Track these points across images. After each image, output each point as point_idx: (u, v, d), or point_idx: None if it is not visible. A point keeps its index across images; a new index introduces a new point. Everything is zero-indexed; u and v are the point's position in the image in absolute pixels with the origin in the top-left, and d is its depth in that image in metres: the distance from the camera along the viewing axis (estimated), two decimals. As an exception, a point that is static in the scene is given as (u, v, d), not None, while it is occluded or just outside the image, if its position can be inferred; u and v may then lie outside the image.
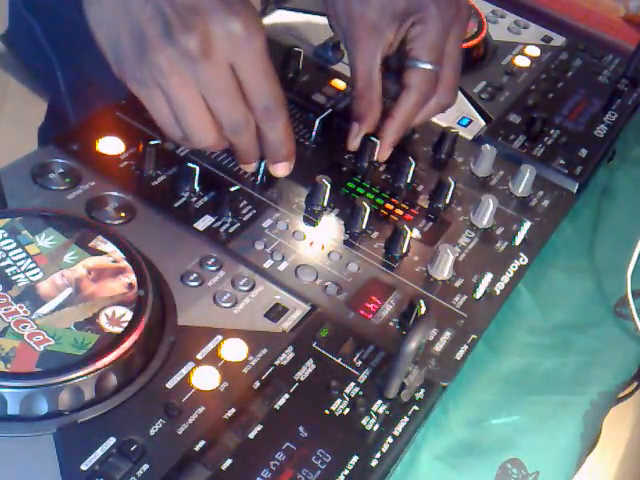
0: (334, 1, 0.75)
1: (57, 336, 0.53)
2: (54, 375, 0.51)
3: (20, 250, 0.58)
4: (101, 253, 0.59)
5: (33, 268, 0.57)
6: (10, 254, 0.57)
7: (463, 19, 0.75)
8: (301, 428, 0.55)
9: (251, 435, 0.54)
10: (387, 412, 0.58)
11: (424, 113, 0.76)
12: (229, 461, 0.52)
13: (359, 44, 0.74)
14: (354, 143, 0.76)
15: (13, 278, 0.56)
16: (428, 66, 0.73)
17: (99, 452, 0.50)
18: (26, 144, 0.78)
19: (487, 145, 0.79)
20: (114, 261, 0.58)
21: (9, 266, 0.57)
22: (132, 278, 0.57)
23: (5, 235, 0.58)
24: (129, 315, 0.55)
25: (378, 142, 0.76)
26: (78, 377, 0.51)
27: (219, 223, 0.67)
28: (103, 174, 0.68)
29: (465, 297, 0.68)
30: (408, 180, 0.76)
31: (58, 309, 0.55)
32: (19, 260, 0.57)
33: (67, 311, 0.55)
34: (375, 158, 0.76)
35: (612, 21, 1.26)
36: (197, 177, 0.69)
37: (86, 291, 0.56)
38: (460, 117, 0.86)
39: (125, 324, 0.55)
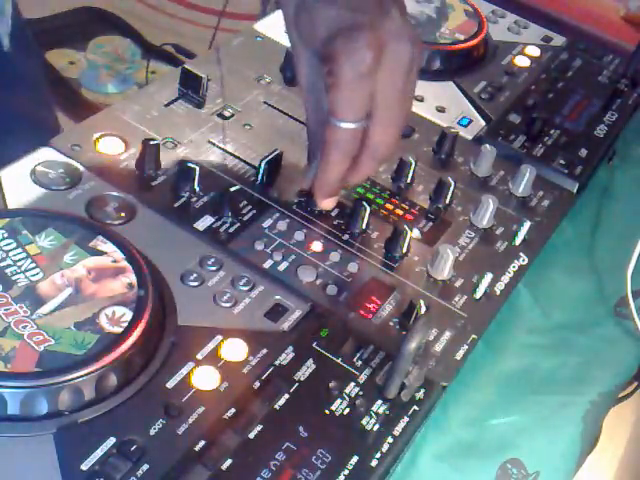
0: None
1: (57, 336, 0.53)
2: (54, 375, 0.51)
3: (20, 250, 0.58)
4: (101, 253, 0.59)
5: (33, 268, 0.57)
6: (10, 254, 0.57)
7: (395, 60, 0.60)
8: (301, 428, 0.55)
9: (251, 435, 0.54)
10: (387, 412, 0.58)
11: (357, 173, 0.66)
12: (229, 461, 0.52)
13: (298, 79, 0.65)
14: (305, 183, 0.69)
15: (13, 278, 0.56)
16: (348, 125, 0.61)
17: (99, 452, 0.50)
18: None
19: (487, 145, 0.79)
20: (114, 261, 0.58)
21: (9, 266, 0.57)
22: (132, 278, 0.57)
23: (5, 235, 0.58)
24: (129, 315, 0.55)
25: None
26: (78, 377, 0.51)
27: (219, 223, 0.67)
28: (103, 174, 0.68)
29: (465, 297, 0.68)
30: (408, 180, 0.76)
31: (58, 309, 0.55)
32: (19, 260, 0.57)
33: (67, 311, 0.55)
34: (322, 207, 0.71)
35: (612, 21, 1.26)
36: (197, 177, 0.69)
37: (86, 291, 0.56)
38: (460, 117, 0.86)
39: (125, 324, 0.55)
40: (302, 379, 0.58)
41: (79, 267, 0.58)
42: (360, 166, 0.65)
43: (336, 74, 0.59)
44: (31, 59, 1.01)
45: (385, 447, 0.56)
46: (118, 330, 0.54)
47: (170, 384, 0.55)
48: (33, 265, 0.57)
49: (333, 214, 0.71)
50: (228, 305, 0.61)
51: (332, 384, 0.58)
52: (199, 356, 0.57)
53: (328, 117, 0.61)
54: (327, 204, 0.70)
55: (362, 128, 0.62)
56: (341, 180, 0.66)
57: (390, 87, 0.61)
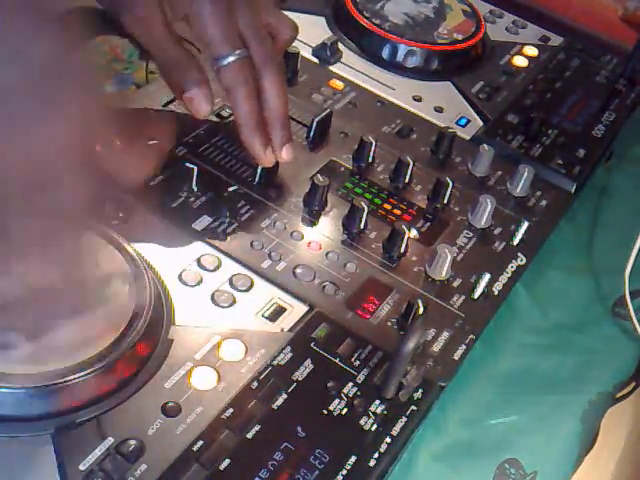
0: None
1: None
2: (52, 375, 0.51)
3: None
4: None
5: None
6: None
7: None
8: (299, 428, 0.55)
9: (249, 435, 0.54)
10: (385, 412, 0.58)
11: (272, 102, 0.67)
12: (227, 461, 0.52)
13: (134, 11, 0.65)
14: (203, 111, 0.67)
15: None
16: (232, 58, 0.64)
17: (97, 452, 0.50)
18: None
19: (485, 145, 0.79)
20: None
21: None
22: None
23: None
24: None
25: (373, 142, 0.76)
26: (77, 377, 0.51)
27: (217, 223, 0.67)
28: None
29: (463, 297, 0.68)
30: (406, 180, 0.76)
31: None
32: None
33: None
34: (265, 165, 0.71)
35: (610, 21, 1.26)
36: (195, 177, 0.69)
37: None
38: (458, 117, 0.86)
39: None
40: (300, 379, 0.58)
41: None
42: (267, 87, 0.67)
43: (198, 10, 0.63)
44: None
45: (383, 447, 0.56)
46: None
47: (168, 384, 0.55)
48: None
49: (331, 214, 0.71)
50: (226, 305, 0.61)
51: (330, 384, 0.58)
52: (197, 356, 0.57)
53: (214, 65, 0.64)
54: (286, 153, 0.69)
55: (245, 56, 0.65)
56: (260, 114, 0.67)
57: (248, 11, 0.65)
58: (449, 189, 0.74)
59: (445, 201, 0.75)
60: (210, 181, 0.71)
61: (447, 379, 0.62)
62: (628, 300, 0.75)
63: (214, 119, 0.77)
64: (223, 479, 0.51)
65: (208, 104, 0.67)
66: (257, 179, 0.72)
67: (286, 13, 0.92)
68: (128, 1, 0.65)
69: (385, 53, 0.90)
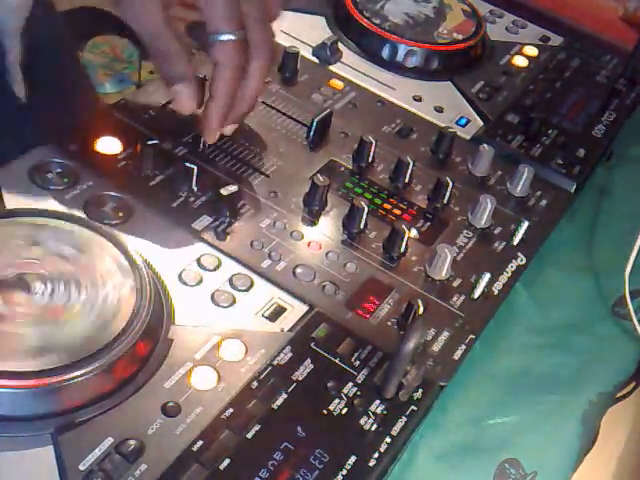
0: None
1: None
2: (53, 374, 0.51)
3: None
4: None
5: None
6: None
7: None
8: (299, 428, 0.55)
9: (249, 435, 0.54)
10: (385, 412, 0.58)
11: (250, 85, 0.68)
12: (227, 461, 0.52)
13: (138, 6, 0.64)
14: (185, 106, 0.68)
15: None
16: (230, 37, 0.64)
17: (97, 452, 0.50)
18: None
19: (485, 145, 0.79)
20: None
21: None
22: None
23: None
24: None
25: (373, 142, 0.76)
26: (77, 377, 0.51)
27: (217, 223, 0.67)
28: (101, 174, 0.68)
29: (463, 297, 0.68)
30: (406, 180, 0.76)
31: None
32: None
33: None
34: (209, 142, 0.71)
35: (610, 21, 1.26)
36: (195, 177, 0.69)
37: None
38: (458, 117, 0.86)
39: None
40: (300, 379, 0.58)
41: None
42: (251, 74, 0.67)
43: None
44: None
45: (383, 447, 0.56)
46: None
47: (168, 384, 0.55)
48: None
49: (331, 214, 0.71)
50: (226, 305, 0.61)
51: (330, 384, 0.58)
52: (197, 356, 0.57)
53: (209, 37, 0.64)
54: (229, 130, 0.71)
55: (243, 38, 0.65)
56: (233, 97, 0.67)
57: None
58: (449, 189, 0.74)
59: (445, 201, 0.75)
60: (210, 181, 0.71)
61: (447, 379, 0.62)
62: (628, 300, 0.75)
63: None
64: (223, 479, 0.51)
65: (192, 101, 0.67)
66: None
67: (287, 13, 0.93)
68: None
69: (385, 53, 0.90)
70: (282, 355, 0.59)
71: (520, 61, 0.96)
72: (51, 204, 0.64)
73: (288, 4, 0.70)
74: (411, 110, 0.85)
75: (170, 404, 0.54)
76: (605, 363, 0.73)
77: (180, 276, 0.62)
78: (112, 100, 0.79)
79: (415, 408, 0.59)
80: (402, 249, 0.69)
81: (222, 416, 0.54)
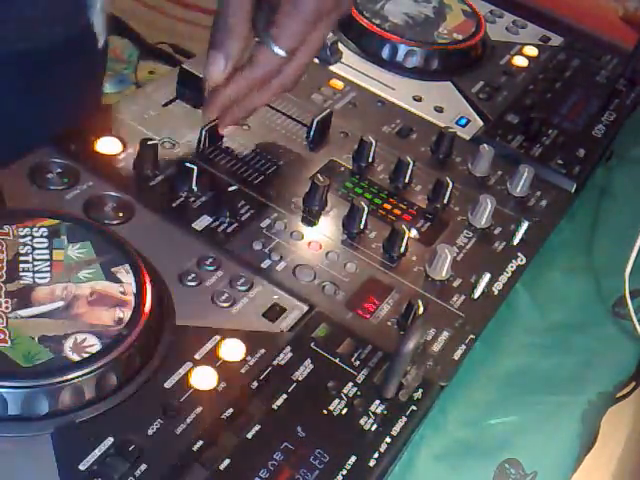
0: None
1: (16, 341, 0.52)
2: (53, 375, 0.51)
3: (47, 252, 0.58)
4: (117, 281, 0.57)
5: (45, 272, 0.56)
6: (35, 252, 0.57)
7: (339, 12, 0.69)
8: (299, 428, 0.55)
9: (249, 435, 0.54)
10: (385, 412, 0.58)
11: (264, 94, 0.71)
12: (227, 461, 0.52)
13: None
14: (216, 77, 0.68)
15: (21, 274, 0.56)
16: (282, 53, 0.67)
17: (97, 452, 0.50)
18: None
19: (485, 145, 0.79)
20: (122, 292, 0.57)
21: (26, 262, 0.56)
22: (126, 314, 0.55)
23: (44, 234, 0.58)
24: (97, 347, 0.53)
25: (373, 142, 0.76)
26: (77, 377, 0.51)
27: (217, 223, 0.67)
28: (101, 174, 0.68)
29: (463, 297, 0.68)
30: (406, 180, 0.76)
31: (37, 317, 0.54)
32: (39, 260, 0.57)
33: (43, 322, 0.54)
34: (204, 120, 0.72)
35: (610, 21, 1.26)
36: (195, 177, 0.69)
37: (75, 310, 0.55)
38: (458, 117, 0.86)
39: (88, 355, 0.53)
40: (300, 379, 0.58)
41: (86, 286, 0.57)
42: (268, 89, 0.70)
43: (300, 7, 0.65)
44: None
45: (383, 447, 0.56)
46: (75, 357, 0.52)
47: (168, 384, 0.55)
48: (47, 269, 0.57)
49: (331, 214, 0.71)
50: (226, 305, 0.61)
51: (330, 384, 0.58)
52: (197, 356, 0.57)
53: (267, 40, 0.66)
54: (227, 131, 0.73)
55: (288, 58, 0.67)
56: (239, 97, 0.69)
57: (324, 32, 0.69)
58: (449, 189, 0.74)
59: (445, 201, 0.75)
60: (210, 181, 0.71)
61: (447, 379, 0.62)
62: (628, 300, 0.75)
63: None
64: (223, 479, 0.51)
65: (222, 75, 0.68)
66: (258, 179, 0.72)
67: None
68: None
69: (385, 53, 0.90)
70: (282, 355, 0.59)
71: (520, 61, 0.96)
72: (51, 204, 0.64)
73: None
74: (411, 110, 0.85)
75: (170, 404, 0.54)
76: (605, 363, 0.73)
77: (180, 276, 0.62)
78: (112, 100, 0.79)
79: (415, 408, 0.59)
80: (402, 249, 0.69)
81: (222, 416, 0.54)
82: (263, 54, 0.67)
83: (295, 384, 0.57)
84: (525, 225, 0.73)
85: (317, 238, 0.69)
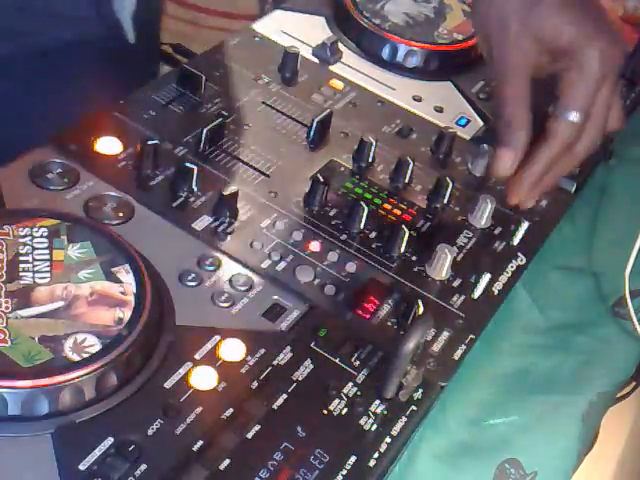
0: (487, 21, 0.70)
1: (16, 341, 0.52)
2: (53, 375, 0.51)
3: (46, 252, 0.57)
4: (117, 281, 0.57)
5: (45, 272, 0.56)
6: (35, 252, 0.57)
7: (618, 63, 0.69)
8: (299, 428, 0.55)
9: (249, 435, 0.54)
10: (385, 412, 0.58)
11: (568, 163, 0.71)
12: (227, 461, 0.52)
13: (509, 64, 0.68)
14: (505, 170, 0.69)
15: (21, 274, 0.56)
16: (577, 118, 0.67)
17: (97, 452, 0.50)
18: None
19: (485, 145, 0.79)
20: (122, 292, 0.57)
21: (26, 262, 0.56)
22: (126, 314, 0.55)
23: (44, 234, 0.58)
24: (97, 347, 0.53)
25: (373, 142, 0.76)
26: (77, 377, 0.51)
27: (217, 223, 0.67)
28: (101, 174, 0.68)
29: (463, 297, 0.68)
30: (406, 180, 0.76)
31: (37, 317, 0.54)
32: (39, 260, 0.57)
33: (43, 322, 0.54)
34: (510, 203, 0.72)
35: (610, 21, 1.26)
36: (195, 177, 0.69)
37: (75, 310, 0.55)
38: (458, 117, 0.86)
39: (88, 355, 0.53)
40: (300, 379, 0.58)
41: (86, 286, 0.57)
42: (573, 157, 0.70)
43: (586, 73, 0.66)
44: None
45: (383, 447, 0.56)
46: (75, 358, 0.52)
47: (168, 384, 0.55)
48: (47, 269, 0.57)
49: (331, 214, 0.71)
50: (226, 305, 0.61)
51: (330, 384, 0.58)
52: (197, 356, 0.57)
53: (561, 112, 0.67)
54: (526, 201, 0.72)
55: (584, 122, 0.68)
56: (548, 171, 0.70)
57: (612, 86, 0.69)
58: (449, 189, 0.74)
59: (445, 201, 0.75)
60: (210, 181, 0.71)
61: (447, 379, 0.62)
62: (628, 300, 0.75)
63: (215, 119, 0.77)
64: (223, 479, 0.51)
65: (509, 169, 0.69)
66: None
67: (287, 13, 0.93)
68: (505, 36, 0.68)
69: (385, 53, 0.90)
70: (282, 355, 0.59)
71: (520, 61, 0.96)
72: (51, 204, 0.64)
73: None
74: (411, 110, 0.85)
75: (170, 404, 0.54)
76: (605, 363, 0.73)
77: (180, 276, 0.62)
78: (112, 100, 0.79)
79: (415, 408, 0.59)
80: (402, 249, 0.69)
81: (222, 416, 0.54)
82: (558, 125, 0.67)
83: (295, 384, 0.57)
84: (525, 225, 0.73)
85: (317, 238, 0.69)
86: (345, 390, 0.58)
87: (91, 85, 0.83)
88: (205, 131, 0.73)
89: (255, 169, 0.73)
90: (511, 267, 0.72)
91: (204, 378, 0.56)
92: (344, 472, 0.54)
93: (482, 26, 0.70)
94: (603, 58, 0.66)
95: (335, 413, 0.57)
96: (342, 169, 0.76)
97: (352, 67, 0.89)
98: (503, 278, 0.70)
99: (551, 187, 0.73)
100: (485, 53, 0.71)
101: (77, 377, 0.51)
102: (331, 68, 0.88)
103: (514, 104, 0.68)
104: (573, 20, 0.66)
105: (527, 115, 0.68)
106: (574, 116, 0.67)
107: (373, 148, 0.76)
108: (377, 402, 0.58)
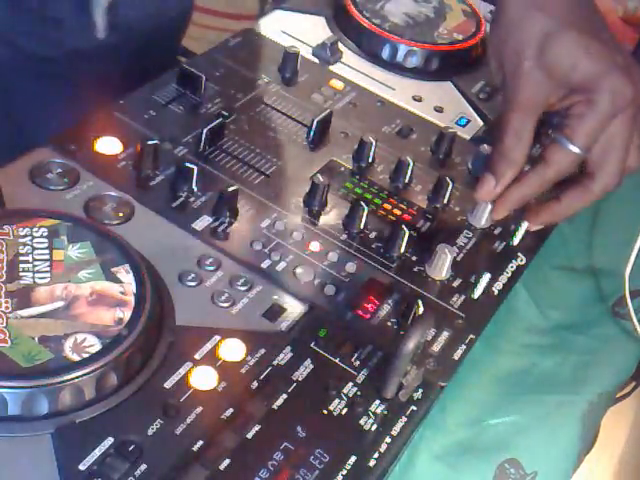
0: (502, 50, 0.69)
1: (16, 341, 0.52)
2: (53, 375, 0.51)
3: (46, 252, 0.57)
4: (117, 281, 0.57)
5: (45, 272, 0.56)
6: (35, 252, 0.57)
7: (635, 106, 0.67)
8: (299, 428, 0.55)
9: (249, 435, 0.54)
10: (385, 412, 0.58)
11: (579, 201, 0.71)
12: (227, 461, 0.52)
13: (519, 97, 0.67)
14: (485, 197, 0.71)
15: (21, 274, 0.56)
16: (576, 150, 0.67)
17: (97, 452, 0.50)
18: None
19: (485, 145, 0.79)
20: (122, 292, 0.57)
21: (26, 262, 0.56)
22: (126, 315, 0.55)
23: (44, 234, 0.58)
24: (97, 347, 0.53)
25: (373, 142, 0.76)
26: (77, 377, 0.51)
27: (217, 223, 0.67)
28: (101, 174, 0.68)
29: (463, 297, 0.68)
30: (406, 180, 0.76)
31: (37, 317, 0.54)
32: (39, 260, 0.57)
33: (43, 322, 0.54)
34: (494, 218, 0.73)
35: (610, 21, 1.26)
36: (195, 177, 0.69)
37: (75, 310, 0.55)
38: (458, 117, 0.86)
39: (88, 355, 0.53)
40: (300, 379, 0.58)
41: (86, 286, 0.56)
42: (592, 191, 0.70)
43: (595, 109, 0.65)
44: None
45: (383, 447, 0.56)
46: (75, 358, 0.52)
47: (168, 384, 0.55)
48: (47, 269, 0.57)
49: (331, 214, 0.71)
50: (226, 305, 0.61)
51: (330, 384, 0.58)
52: (197, 356, 0.57)
53: (560, 139, 0.67)
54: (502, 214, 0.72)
55: (584, 156, 0.67)
56: (537, 195, 0.71)
57: (618, 126, 0.67)
58: (449, 189, 0.74)
59: (445, 201, 0.75)
60: (210, 181, 0.71)
61: (447, 379, 0.62)
62: (628, 300, 0.75)
63: (215, 119, 0.77)
64: (223, 479, 0.51)
65: (489, 195, 0.70)
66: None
67: (287, 13, 0.93)
68: (519, 68, 0.67)
69: (385, 53, 0.90)
70: (282, 355, 0.59)
71: (520, 61, 0.96)
72: (51, 204, 0.64)
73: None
74: (411, 110, 0.85)
75: (170, 404, 0.54)
76: (605, 363, 0.73)
77: (180, 276, 0.62)
78: (112, 100, 0.79)
79: (415, 408, 0.59)
80: (402, 249, 0.69)
81: (222, 416, 0.54)
82: (555, 153, 0.67)
83: (295, 384, 0.57)
84: (525, 225, 0.73)
85: (317, 238, 0.69)
86: (345, 390, 0.58)
87: (108, 88, 0.83)
88: (205, 131, 0.73)
89: (255, 169, 0.73)
90: (511, 267, 0.72)
91: (204, 378, 0.56)
92: (344, 472, 0.54)
93: (497, 53, 0.69)
94: (615, 96, 0.65)
95: (335, 413, 0.57)
96: (342, 169, 0.76)
97: (352, 67, 0.89)
98: (503, 278, 0.70)
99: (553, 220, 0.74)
100: (498, 79, 0.70)
101: (77, 377, 0.51)
102: (331, 68, 0.88)
103: (515, 138, 0.68)
104: (589, 56, 0.65)
105: (524, 152, 0.68)
106: (574, 148, 0.66)
107: (373, 148, 0.76)
108: (377, 402, 0.58)
